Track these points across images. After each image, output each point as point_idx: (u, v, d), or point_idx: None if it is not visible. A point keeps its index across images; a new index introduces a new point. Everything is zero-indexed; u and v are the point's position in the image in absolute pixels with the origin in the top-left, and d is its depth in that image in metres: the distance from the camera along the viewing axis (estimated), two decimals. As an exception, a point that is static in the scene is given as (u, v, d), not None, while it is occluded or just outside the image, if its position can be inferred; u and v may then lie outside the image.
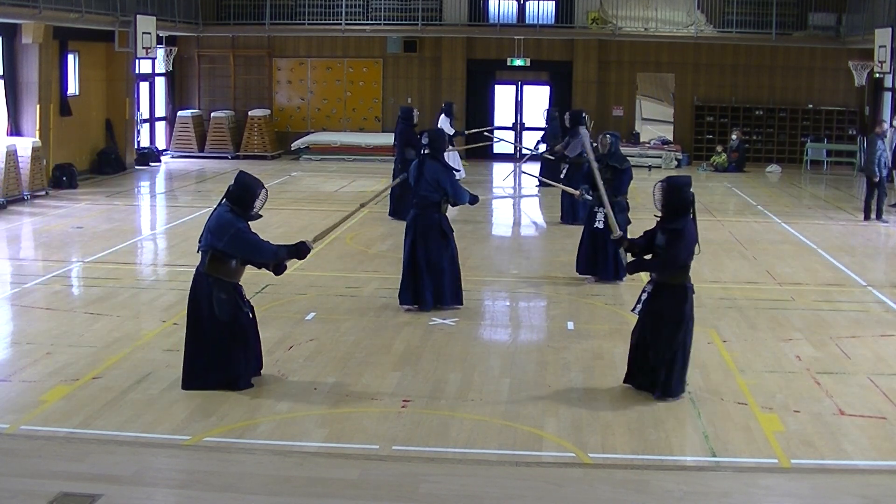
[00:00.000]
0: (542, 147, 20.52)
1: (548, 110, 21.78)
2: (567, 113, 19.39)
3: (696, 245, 8.38)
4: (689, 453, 7.33)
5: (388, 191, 10.60)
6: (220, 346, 8.27)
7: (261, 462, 6.88)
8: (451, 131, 21.18)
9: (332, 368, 9.06)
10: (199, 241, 8.41)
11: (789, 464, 7.13)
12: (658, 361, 8.33)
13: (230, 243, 8.16)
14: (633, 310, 8.63)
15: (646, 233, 8.70)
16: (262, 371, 8.72)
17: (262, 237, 8.38)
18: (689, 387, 8.64)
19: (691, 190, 8.39)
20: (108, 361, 9.14)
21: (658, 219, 8.50)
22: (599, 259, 12.61)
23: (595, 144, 13.58)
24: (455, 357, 9.52)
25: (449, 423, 7.78)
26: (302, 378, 8.80)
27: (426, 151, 11.12)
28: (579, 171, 16.74)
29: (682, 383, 8.42)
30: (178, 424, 7.65)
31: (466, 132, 23.36)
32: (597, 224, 12.56)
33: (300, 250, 8.49)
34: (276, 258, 8.39)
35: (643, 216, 17.89)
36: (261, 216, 8.46)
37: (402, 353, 9.64)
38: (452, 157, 21.24)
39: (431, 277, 11.03)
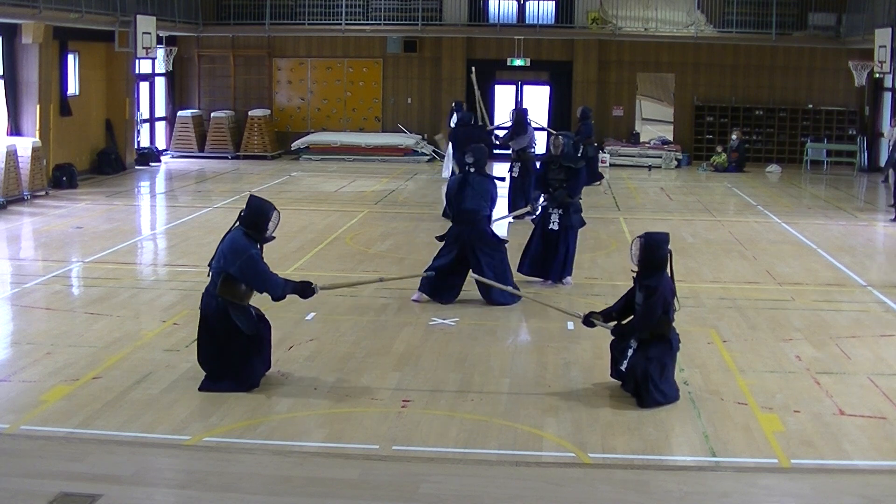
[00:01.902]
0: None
1: (583, 109, 21.76)
2: (517, 110, 19.31)
3: (675, 300, 8.40)
4: (689, 453, 7.33)
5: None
6: (239, 356, 8.37)
7: (261, 462, 6.88)
8: None
9: (332, 368, 9.06)
10: (210, 264, 8.48)
11: (789, 464, 7.13)
12: (644, 378, 8.32)
13: (241, 269, 8.25)
14: (621, 365, 8.50)
15: (622, 296, 8.76)
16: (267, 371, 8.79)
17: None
18: (688, 387, 8.65)
19: (668, 247, 8.38)
20: (108, 361, 9.15)
21: (634, 274, 8.52)
22: (549, 261, 12.52)
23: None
24: (455, 357, 9.53)
25: (449, 423, 7.78)
26: (302, 378, 8.80)
27: (471, 170, 11.38)
28: (527, 165, 17.23)
29: (669, 392, 8.35)
30: (178, 424, 7.65)
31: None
32: (551, 226, 12.52)
33: (304, 290, 8.60)
34: (280, 292, 8.49)
35: (643, 216, 17.96)
36: (274, 237, 8.58)
37: (402, 353, 9.64)
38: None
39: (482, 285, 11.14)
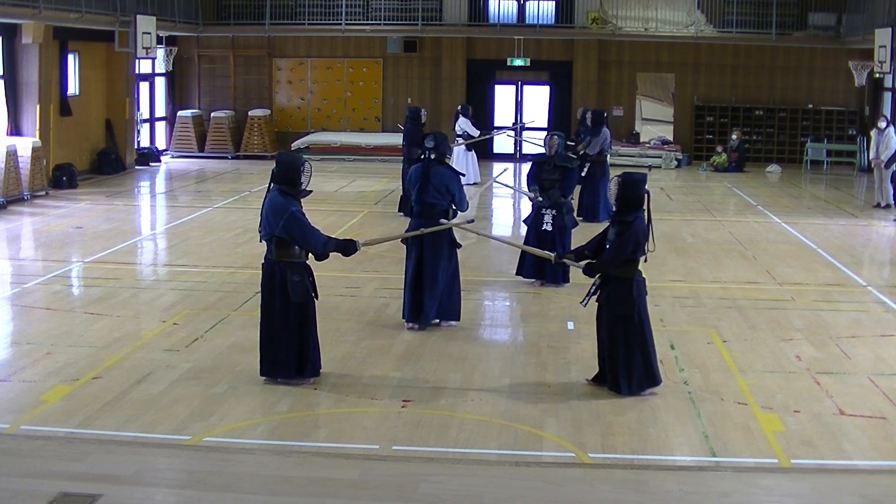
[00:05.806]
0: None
1: (584, 110, 21.83)
2: (589, 112, 19.46)
3: (650, 242, 8.42)
4: (689, 453, 7.33)
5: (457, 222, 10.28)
6: (293, 332, 8.43)
7: (261, 462, 6.88)
8: (475, 132, 21.20)
9: (332, 368, 9.06)
10: (260, 231, 8.51)
11: (789, 464, 7.13)
12: (617, 362, 8.36)
13: (284, 227, 8.26)
14: (582, 302, 8.71)
15: (597, 235, 8.77)
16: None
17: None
18: (688, 387, 8.65)
19: (646, 188, 8.47)
20: (108, 361, 9.15)
21: (612, 214, 8.59)
22: (546, 263, 12.36)
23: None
24: (455, 357, 9.52)
25: (449, 423, 7.78)
26: (302, 378, 8.80)
27: (431, 156, 10.47)
28: (601, 168, 17.52)
29: (649, 379, 8.39)
30: (178, 424, 7.65)
31: (491, 131, 23.39)
32: (544, 227, 12.49)
33: (347, 248, 8.58)
34: (323, 248, 8.44)
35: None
36: (311, 191, 8.56)
37: (402, 353, 9.64)
38: (471, 162, 21.20)
39: (433, 291, 10.36)
